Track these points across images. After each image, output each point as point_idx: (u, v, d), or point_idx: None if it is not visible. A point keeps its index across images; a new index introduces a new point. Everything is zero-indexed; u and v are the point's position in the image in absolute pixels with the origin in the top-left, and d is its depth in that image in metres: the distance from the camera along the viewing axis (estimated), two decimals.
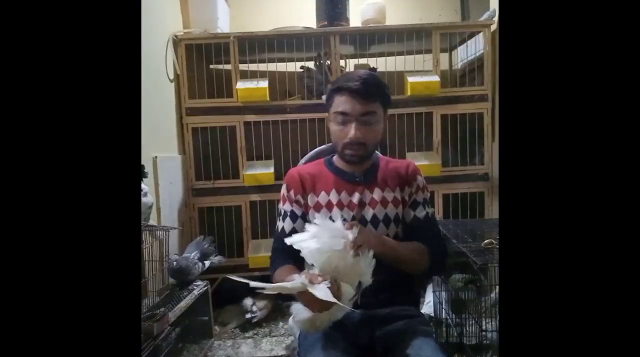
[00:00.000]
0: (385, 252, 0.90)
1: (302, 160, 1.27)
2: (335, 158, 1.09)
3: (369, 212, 1.00)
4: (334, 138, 1.03)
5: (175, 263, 1.60)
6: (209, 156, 2.09)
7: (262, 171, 2.00)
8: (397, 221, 1.02)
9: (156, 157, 1.72)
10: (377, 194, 1.02)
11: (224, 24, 2.20)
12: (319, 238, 0.81)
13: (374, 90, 0.97)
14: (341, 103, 0.97)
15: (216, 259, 1.75)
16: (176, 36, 1.98)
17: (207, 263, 1.70)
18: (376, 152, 1.11)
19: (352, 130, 0.95)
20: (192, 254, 1.68)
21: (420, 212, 1.02)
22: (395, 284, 0.99)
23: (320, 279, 0.76)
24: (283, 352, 1.71)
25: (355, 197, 1.00)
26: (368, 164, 1.06)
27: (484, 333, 1.30)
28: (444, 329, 1.46)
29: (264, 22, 2.33)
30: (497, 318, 1.39)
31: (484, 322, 1.34)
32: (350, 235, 0.82)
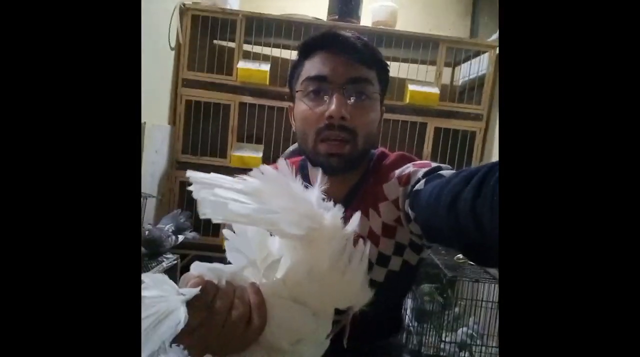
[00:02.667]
0: None
1: (285, 154, 0.99)
2: (308, 165, 0.72)
3: (372, 252, 0.64)
4: (301, 126, 0.65)
5: (147, 233, 1.58)
6: (198, 131, 2.06)
7: (250, 154, 1.99)
8: (413, 245, 0.66)
9: (144, 123, 1.69)
10: (374, 222, 0.64)
11: (234, 0, 2.16)
12: (256, 199, 0.41)
13: (367, 48, 0.61)
14: (314, 66, 0.61)
15: (190, 235, 1.73)
16: (184, 4, 1.94)
17: (180, 237, 1.68)
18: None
19: (332, 104, 0.59)
20: (167, 227, 1.66)
21: (421, 185, 0.55)
22: (382, 312, 0.67)
23: (194, 280, 0.39)
24: None
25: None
26: (354, 178, 0.68)
27: (442, 345, 1.33)
28: (405, 335, 1.49)
29: (275, 6, 2.30)
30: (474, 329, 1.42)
31: (444, 334, 1.37)
32: (329, 218, 0.41)
